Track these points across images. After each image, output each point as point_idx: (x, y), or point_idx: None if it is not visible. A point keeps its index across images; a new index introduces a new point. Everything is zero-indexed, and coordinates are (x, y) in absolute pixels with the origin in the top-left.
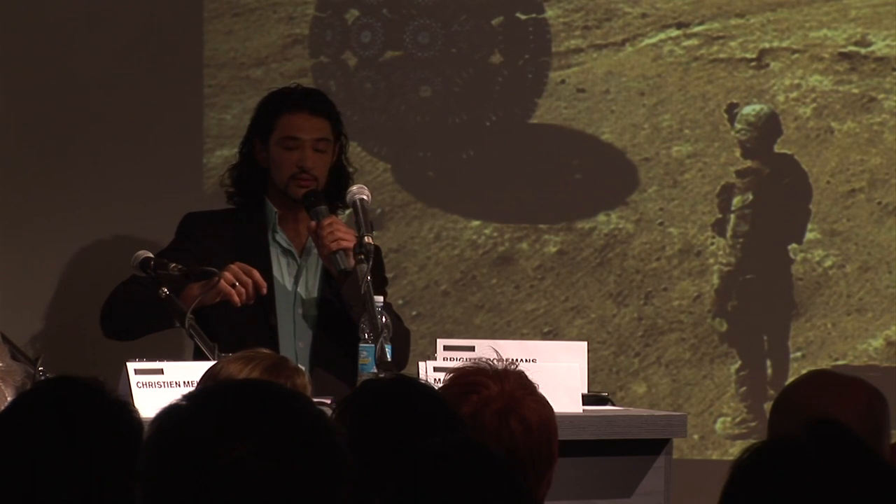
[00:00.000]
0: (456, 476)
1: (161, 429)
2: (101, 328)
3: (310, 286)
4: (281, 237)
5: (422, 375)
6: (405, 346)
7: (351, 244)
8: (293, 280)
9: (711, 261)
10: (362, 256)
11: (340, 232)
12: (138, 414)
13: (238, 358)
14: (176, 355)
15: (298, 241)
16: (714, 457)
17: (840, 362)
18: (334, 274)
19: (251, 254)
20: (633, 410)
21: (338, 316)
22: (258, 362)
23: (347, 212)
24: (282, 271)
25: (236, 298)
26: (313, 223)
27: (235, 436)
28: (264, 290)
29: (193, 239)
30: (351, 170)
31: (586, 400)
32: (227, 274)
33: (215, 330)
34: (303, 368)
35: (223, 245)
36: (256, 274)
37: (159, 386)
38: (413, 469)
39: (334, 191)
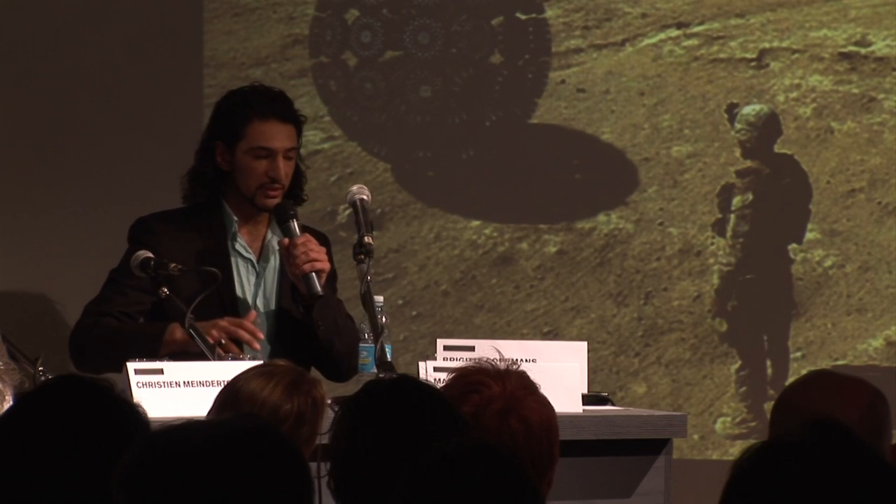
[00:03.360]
0: (469, 478)
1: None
2: (73, 363)
3: (267, 294)
4: (240, 244)
5: (422, 375)
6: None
7: (325, 266)
8: (252, 289)
9: (711, 261)
10: (362, 256)
11: (314, 252)
12: (146, 414)
13: (259, 374)
14: (174, 355)
15: (255, 245)
16: (714, 457)
17: (840, 362)
18: (304, 295)
19: (212, 263)
20: (633, 410)
21: (296, 327)
22: (279, 379)
23: (347, 211)
24: (242, 281)
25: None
26: (286, 240)
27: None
28: (256, 346)
29: (150, 246)
30: (303, 167)
31: (586, 400)
32: (214, 332)
33: None
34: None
35: (183, 250)
36: (248, 327)
37: (159, 386)
38: (426, 471)
39: (293, 190)
